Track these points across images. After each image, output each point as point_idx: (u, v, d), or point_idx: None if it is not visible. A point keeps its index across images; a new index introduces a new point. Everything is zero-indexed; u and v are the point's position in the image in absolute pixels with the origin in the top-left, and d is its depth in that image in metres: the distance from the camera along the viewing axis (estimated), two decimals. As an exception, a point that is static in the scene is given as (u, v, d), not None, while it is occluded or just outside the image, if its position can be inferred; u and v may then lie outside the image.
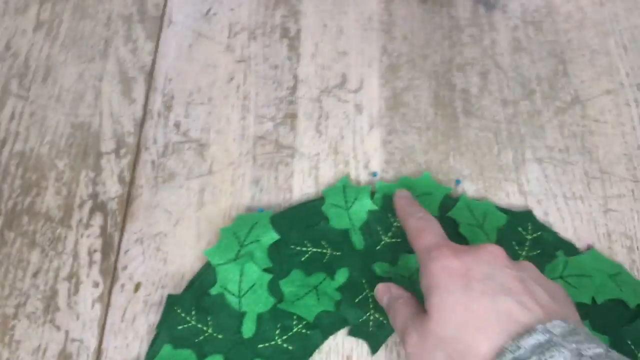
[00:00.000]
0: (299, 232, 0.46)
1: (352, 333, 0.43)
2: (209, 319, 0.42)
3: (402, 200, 0.44)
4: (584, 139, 0.52)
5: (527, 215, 0.48)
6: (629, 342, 0.43)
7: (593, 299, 0.45)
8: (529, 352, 0.30)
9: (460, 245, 0.37)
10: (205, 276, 0.44)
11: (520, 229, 0.47)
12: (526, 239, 0.47)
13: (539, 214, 0.49)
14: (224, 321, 0.42)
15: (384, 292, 0.40)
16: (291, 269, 0.44)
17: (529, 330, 0.31)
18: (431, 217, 0.41)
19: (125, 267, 0.47)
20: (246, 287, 0.43)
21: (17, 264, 0.47)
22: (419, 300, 0.38)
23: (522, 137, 0.52)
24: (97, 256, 0.47)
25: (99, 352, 0.43)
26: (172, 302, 0.42)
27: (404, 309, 0.37)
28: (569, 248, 0.47)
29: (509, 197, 0.50)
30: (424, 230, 0.39)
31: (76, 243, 0.48)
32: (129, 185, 0.50)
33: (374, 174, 0.50)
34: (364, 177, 0.51)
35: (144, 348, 0.43)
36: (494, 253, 0.36)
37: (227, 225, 0.46)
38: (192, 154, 0.52)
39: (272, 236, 0.45)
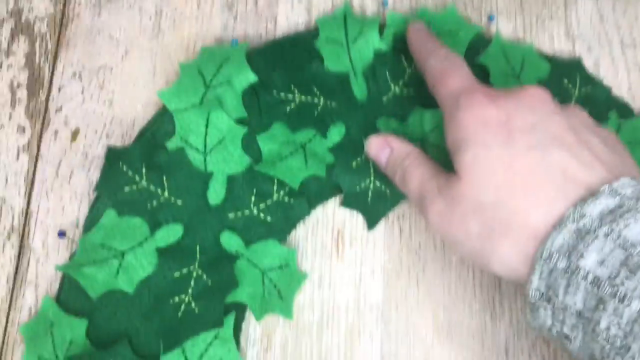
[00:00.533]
0: (284, 73, 0.35)
1: (346, 203, 0.35)
2: (164, 179, 0.33)
3: (419, 35, 0.34)
4: (657, -31, 0.40)
5: (575, 65, 0.38)
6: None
7: (644, 173, 0.36)
8: (597, 221, 0.24)
9: (496, 90, 0.29)
10: (159, 125, 0.34)
11: (566, 81, 0.37)
12: (573, 95, 0.37)
13: (588, 64, 0.39)
14: (184, 183, 0.33)
15: (380, 146, 0.32)
16: (272, 122, 0.34)
17: (593, 193, 0.25)
18: (457, 57, 0.31)
19: (59, 109, 0.36)
20: (214, 142, 0.33)
21: None
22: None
23: (579, -36, 0.40)
24: (22, 93, 0.37)
25: (26, 214, 0.35)
26: (114, 157, 0.33)
27: (418, 168, 0.30)
28: (623, 109, 0.38)
29: (553, 40, 0.39)
30: (448, 72, 0.30)
31: (-6, 74, 0.37)
32: (63, 2, 0.38)
33: (385, 3, 0.39)
34: (371, 7, 0.39)
35: (84, 211, 0.34)
36: (539, 97, 0.28)
37: (189, 60, 0.35)
38: (146, -38, 0.39)
39: (248, 77, 0.34)
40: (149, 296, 0.32)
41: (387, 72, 0.36)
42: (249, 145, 0.34)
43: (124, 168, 0.32)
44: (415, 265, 0.35)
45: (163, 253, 0.32)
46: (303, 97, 0.35)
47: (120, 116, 0.36)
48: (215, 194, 0.33)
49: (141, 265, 0.32)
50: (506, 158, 0.26)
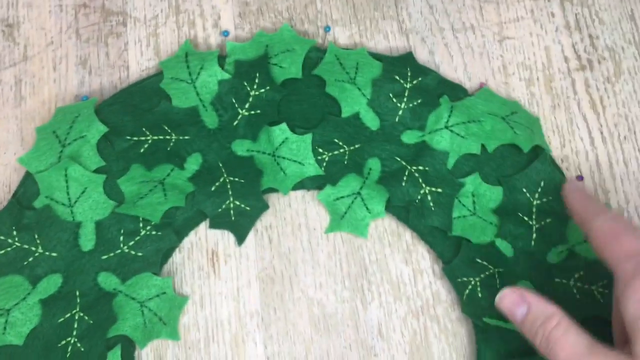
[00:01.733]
0: (134, 118, 0.38)
1: (213, 225, 0.38)
2: (36, 236, 0.36)
3: (579, 195, 0.34)
4: (472, -46, 0.43)
5: (405, 59, 0.40)
6: (524, 190, 0.38)
7: (483, 147, 0.39)
8: None
9: None
10: (25, 188, 0.37)
11: (397, 77, 0.40)
12: (405, 88, 0.40)
13: (423, 54, 0.42)
14: (55, 236, 0.36)
15: (516, 303, 0.31)
16: (130, 165, 0.38)
17: None
18: (624, 217, 0.32)
19: (-58, 187, 0.40)
20: (77, 194, 0.37)
21: None
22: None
23: (399, -38, 0.43)
24: None
25: None
26: (-18, 227, 0.36)
27: (567, 336, 0.28)
28: (456, 90, 0.41)
29: (388, 38, 0.42)
30: (622, 231, 0.29)
31: None
32: None
33: (225, 33, 0.42)
34: (215, 39, 0.42)
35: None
36: None
37: (44, 124, 0.38)
38: (0, 38, 0.42)
39: (98, 129, 0.37)
40: (38, 345, 0.35)
41: (233, 99, 0.39)
42: (112, 189, 0.37)
43: (-6, 235, 0.36)
44: (287, 268, 0.38)
45: (46, 303, 0.35)
46: (155, 137, 0.38)
47: (-3, 184, 0.39)
48: (87, 240, 0.36)
49: (27, 318, 0.35)
50: None
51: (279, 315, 0.37)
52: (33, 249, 0.36)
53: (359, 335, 0.37)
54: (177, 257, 0.38)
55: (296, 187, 0.39)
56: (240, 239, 0.38)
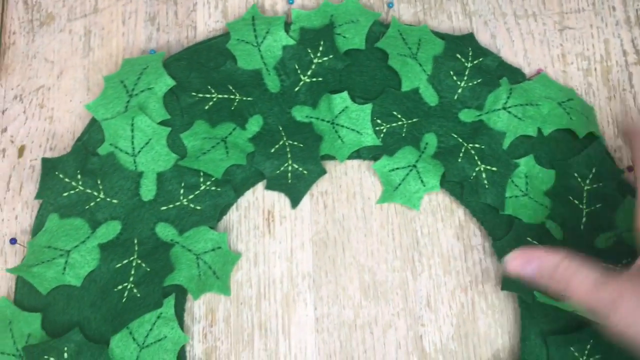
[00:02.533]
0: (201, 75, 0.39)
1: (269, 186, 0.38)
2: (98, 182, 0.36)
3: None
4: (539, -58, 0.44)
5: (467, 39, 0.41)
6: (576, 174, 0.39)
7: (539, 130, 0.40)
8: None
9: None
10: (90, 134, 0.38)
11: (459, 55, 0.40)
12: (466, 67, 0.40)
13: (485, 37, 0.42)
14: (117, 183, 0.37)
15: (524, 262, 0.31)
16: (194, 120, 0.38)
17: None
18: None
19: (4, 130, 0.40)
20: (141, 144, 0.37)
21: None
22: None
23: (466, -55, 0.44)
24: (-30, 119, 0.40)
25: (-16, 227, 0.38)
26: (50, 167, 0.36)
27: (578, 273, 0.29)
28: (515, 74, 0.41)
29: (452, 19, 0.43)
30: None
31: (-58, 106, 0.40)
32: (-1, 32, 0.42)
33: (290, 1, 0.42)
34: (281, 6, 0.43)
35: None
36: None
37: (112, 73, 0.39)
38: (71, -11, 0.43)
39: (166, 82, 0.38)
40: (95, 287, 0.35)
41: (296, 65, 0.40)
42: (174, 143, 0.38)
43: (61, 176, 0.36)
44: (340, 234, 0.39)
45: (104, 248, 0.36)
46: (220, 95, 0.39)
47: (60, 131, 0.40)
48: (147, 190, 0.37)
49: (86, 260, 0.35)
50: None
51: (330, 278, 0.38)
52: (95, 194, 0.36)
53: (407, 305, 0.38)
54: (233, 214, 0.39)
55: (352, 156, 0.40)
56: (295, 201, 0.39)
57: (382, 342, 0.37)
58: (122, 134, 0.37)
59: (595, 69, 0.42)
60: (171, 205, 0.37)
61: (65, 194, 0.36)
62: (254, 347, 0.37)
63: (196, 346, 0.36)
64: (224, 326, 0.37)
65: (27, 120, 0.40)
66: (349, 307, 0.38)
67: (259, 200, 0.39)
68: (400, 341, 0.37)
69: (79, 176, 0.36)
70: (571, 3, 0.43)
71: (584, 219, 0.38)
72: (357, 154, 0.40)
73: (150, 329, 0.35)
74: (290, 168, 0.38)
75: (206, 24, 0.42)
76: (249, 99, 0.39)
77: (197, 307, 0.37)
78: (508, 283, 0.36)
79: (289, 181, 0.38)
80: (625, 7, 0.43)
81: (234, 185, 0.38)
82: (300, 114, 0.39)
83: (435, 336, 0.37)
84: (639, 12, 0.43)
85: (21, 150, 0.40)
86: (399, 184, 0.39)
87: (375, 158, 0.40)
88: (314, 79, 0.40)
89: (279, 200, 0.39)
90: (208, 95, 0.39)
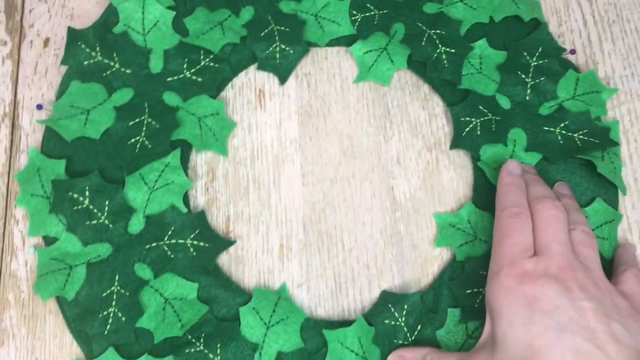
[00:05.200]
0: (201, -31, 0.45)
1: (260, 67, 0.45)
2: (115, 54, 0.43)
3: (510, 180, 0.38)
4: None
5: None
6: (525, 54, 0.45)
7: (491, 19, 0.46)
8: None
9: (528, 269, 0.33)
10: (108, 16, 0.44)
11: None
12: (429, -34, 0.47)
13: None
14: (130, 57, 0.43)
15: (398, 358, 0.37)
16: (195, 7, 0.44)
17: None
18: (528, 219, 0.35)
19: (32, 25, 0.46)
20: (150, 25, 0.43)
21: None
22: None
23: None
24: (1, 16, 0.47)
25: (14, 102, 0.44)
26: (74, 37, 0.43)
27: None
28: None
29: None
30: (511, 233, 0.35)
31: (-24, 6, 0.47)
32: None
33: None
34: None
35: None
36: (564, 277, 0.32)
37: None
38: None
39: (171, -25, 0.44)
40: (111, 142, 0.41)
41: (283, -36, 0.46)
42: (178, 25, 0.44)
43: (83, 46, 0.42)
44: (322, 107, 0.45)
45: (119, 109, 0.42)
46: (217, -13, 0.45)
47: (79, 26, 0.46)
48: (156, 64, 0.43)
49: (103, 119, 0.41)
50: (527, 338, 0.30)
51: (314, 142, 0.44)
52: (112, 64, 0.42)
53: (380, 162, 0.44)
54: (229, 92, 0.45)
55: (332, 44, 0.46)
56: (283, 78, 0.45)
57: (359, 192, 0.43)
58: (134, 15, 0.43)
59: (541, -30, 0.49)
60: (176, 77, 0.43)
61: (86, 63, 0.42)
62: (249, 198, 0.43)
63: (199, 197, 0.42)
64: (222, 181, 0.43)
65: (51, 17, 0.46)
66: (330, 165, 0.43)
67: (251, 80, 0.45)
68: (374, 191, 0.43)
69: (98, 48, 0.42)
70: None
71: (529, 90, 0.44)
72: (337, 42, 0.46)
73: (160, 175, 0.41)
74: (278, 48, 0.45)
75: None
76: (242, -9, 0.45)
77: (199, 166, 0.43)
78: (458, 142, 0.43)
79: (277, 61, 0.45)
80: None
81: (230, 65, 0.44)
82: (287, 6, 0.46)
83: (405, 187, 0.43)
84: None
85: (46, 42, 0.46)
86: (372, 64, 0.45)
87: (351, 44, 0.46)
88: (299, -23, 0.46)
89: (268, 80, 0.45)
90: (206, -15, 0.45)
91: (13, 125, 0.44)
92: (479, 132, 0.43)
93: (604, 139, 0.42)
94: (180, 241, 0.40)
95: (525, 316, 0.31)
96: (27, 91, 0.44)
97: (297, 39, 0.45)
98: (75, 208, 0.39)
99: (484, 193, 0.42)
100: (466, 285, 0.39)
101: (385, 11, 0.46)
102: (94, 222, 0.39)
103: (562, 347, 0.29)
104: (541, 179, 0.40)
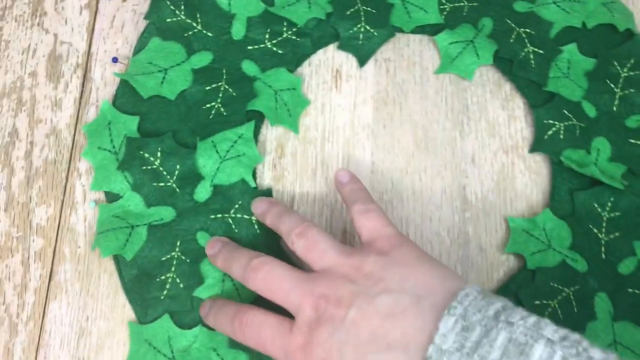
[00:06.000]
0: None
1: (341, 47, 0.43)
2: (198, 15, 0.41)
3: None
4: None
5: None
6: (616, 64, 0.43)
7: (583, 24, 0.44)
8: None
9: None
10: (195, -24, 0.43)
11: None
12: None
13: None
14: (213, 20, 0.42)
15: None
16: (283, -23, 0.43)
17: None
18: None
19: (110, -23, 0.45)
20: (236, -10, 0.42)
21: (-4, -32, 0.45)
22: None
23: None
24: (81, -36, 0.45)
25: (88, 54, 0.43)
26: (160, -7, 0.42)
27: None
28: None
29: None
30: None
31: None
32: None
33: None
34: None
35: (133, 52, 0.43)
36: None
37: None
38: None
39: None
40: (186, 104, 0.40)
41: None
42: (265, -5, 0.43)
43: (168, 2, 0.41)
44: (399, 95, 0.44)
45: (197, 72, 0.41)
46: (307, -40, 0.44)
47: (159, -18, 0.45)
48: (238, 30, 0.42)
49: (180, 80, 0.40)
50: None
51: (387, 131, 0.43)
52: (194, 24, 0.41)
53: (454, 159, 0.42)
54: (306, 69, 0.44)
55: (417, 31, 0.44)
56: (362, 61, 0.43)
57: (430, 187, 0.42)
58: (220, -23, 0.42)
59: (638, -19, 0.47)
60: (256, 47, 0.42)
61: (169, 20, 0.41)
62: (316, 180, 0.41)
63: (266, 173, 0.41)
64: (291, 159, 0.42)
65: (131, -29, 0.45)
66: (402, 155, 0.42)
67: (329, 59, 0.44)
68: (445, 188, 0.42)
69: (182, 6, 0.41)
70: None
71: (616, 101, 0.43)
72: (422, 30, 0.44)
73: (232, 146, 0.39)
74: (362, 29, 0.43)
75: None
76: (329, -31, 0.44)
77: (268, 142, 0.42)
78: (538, 145, 0.41)
79: (360, 42, 0.43)
80: None
81: (312, 39, 0.43)
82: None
83: (477, 187, 0.42)
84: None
85: (124, -6, 0.45)
86: (456, 56, 0.44)
87: (436, 34, 0.44)
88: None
89: (347, 61, 0.44)
90: (297, -42, 0.44)
91: (84, 77, 0.43)
92: (562, 136, 0.41)
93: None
94: (246, 216, 0.38)
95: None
96: (102, 44, 0.43)
97: (383, 21, 0.43)
98: (144, 167, 0.38)
99: (562, 202, 0.40)
100: (536, 295, 0.37)
101: (475, 4, 0.44)
102: (162, 184, 0.38)
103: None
104: None
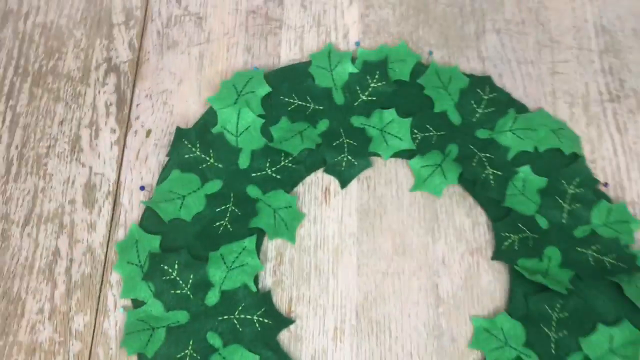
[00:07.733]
0: (288, 86, 0.54)
1: (327, 171, 0.52)
2: (211, 151, 0.50)
3: None
4: (538, 12, 0.59)
5: (486, 79, 0.55)
6: (563, 182, 0.51)
7: (536, 148, 0.53)
8: None
9: None
10: (208, 118, 0.52)
11: (479, 90, 0.55)
12: (483, 99, 0.54)
13: (494, 76, 0.57)
14: (223, 154, 0.51)
15: None
16: (280, 117, 0.52)
17: None
18: None
19: (137, 117, 0.55)
20: (242, 128, 0.51)
21: (45, 114, 0.55)
22: None
23: (483, 12, 0.60)
24: (113, 109, 0.55)
25: (118, 183, 0.52)
26: (180, 135, 0.51)
27: None
28: (521, 108, 0.55)
29: (469, 62, 0.58)
30: None
31: (94, 98, 0.56)
32: (138, 51, 0.58)
33: (357, 44, 0.58)
34: (343, 46, 0.58)
35: (156, 180, 0.52)
36: None
37: (227, 79, 0.54)
38: (192, 25, 0.59)
39: (265, 89, 0.53)
40: (200, 223, 0.48)
41: (357, 87, 0.54)
42: (265, 132, 0.52)
43: (185, 142, 0.50)
44: (379, 207, 0.52)
45: (209, 197, 0.49)
46: (300, 102, 0.53)
47: (178, 120, 0.54)
48: (244, 161, 0.51)
49: (195, 204, 0.49)
50: None
51: (370, 238, 0.50)
52: (207, 158, 0.50)
53: (427, 261, 0.50)
54: (300, 188, 0.52)
55: (393, 156, 0.53)
56: (344, 184, 0.52)
57: (408, 286, 0.49)
58: (230, 119, 0.51)
59: (577, 103, 0.56)
60: (259, 173, 0.51)
61: (187, 156, 0.50)
62: (311, 283, 0.49)
63: (267, 278, 0.49)
64: (289, 266, 0.49)
65: (154, 112, 0.55)
66: (384, 259, 0.50)
67: (319, 179, 0.53)
68: (421, 286, 0.49)
69: (198, 144, 0.50)
70: (560, 55, 0.58)
71: (565, 215, 0.50)
72: (398, 154, 0.53)
73: (237, 257, 0.47)
74: (345, 159, 0.52)
75: (287, 55, 0.57)
76: (320, 107, 0.53)
77: (269, 251, 0.50)
78: (497, 255, 0.48)
79: (342, 168, 0.52)
80: (601, 60, 0.57)
81: (305, 166, 0.52)
82: (357, 121, 0.53)
83: (448, 285, 0.49)
84: (611, 64, 0.57)
85: (148, 133, 0.54)
86: (427, 177, 0.52)
87: (409, 157, 0.53)
88: (370, 98, 0.54)
89: (333, 181, 0.53)
90: (292, 101, 0.53)
91: (115, 202, 0.51)
92: (516, 247, 0.49)
93: (631, 265, 0.47)
94: (248, 316, 0.45)
95: None
96: (129, 174, 0.52)
97: (362, 153, 0.52)
98: (164, 278, 0.46)
99: (518, 303, 0.47)
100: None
101: (442, 133, 0.53)
102: (178, 291, 0.46)
103: None
104: None
